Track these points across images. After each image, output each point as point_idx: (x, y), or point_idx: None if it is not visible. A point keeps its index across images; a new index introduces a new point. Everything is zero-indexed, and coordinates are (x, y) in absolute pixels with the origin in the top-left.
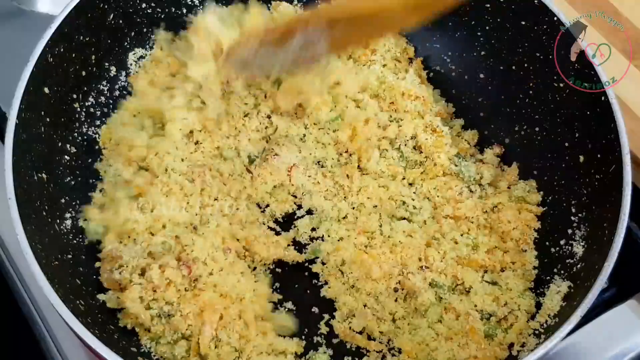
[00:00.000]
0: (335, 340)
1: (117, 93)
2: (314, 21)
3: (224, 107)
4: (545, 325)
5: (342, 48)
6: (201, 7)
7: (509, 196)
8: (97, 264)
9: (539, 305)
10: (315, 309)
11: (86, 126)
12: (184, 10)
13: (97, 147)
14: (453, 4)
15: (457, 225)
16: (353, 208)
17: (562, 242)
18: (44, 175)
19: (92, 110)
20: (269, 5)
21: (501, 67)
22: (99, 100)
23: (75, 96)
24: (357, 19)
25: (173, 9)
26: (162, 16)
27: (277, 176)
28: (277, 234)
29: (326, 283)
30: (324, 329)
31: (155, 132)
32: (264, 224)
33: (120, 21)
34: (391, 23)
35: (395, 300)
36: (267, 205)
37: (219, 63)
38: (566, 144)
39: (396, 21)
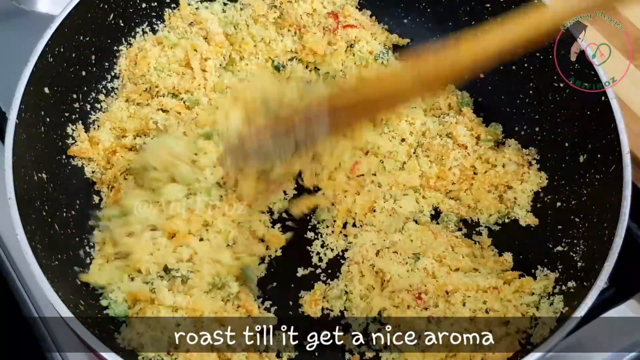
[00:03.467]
0: None
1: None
2: (315, 111)
3: None
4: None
5: (347, 128)
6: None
7: None
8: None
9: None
10: None
11: (86, 126)
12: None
13: None
14: (460, 77)
15: None
16: None
17: (562, 242)
18: (44, 175)
19: (92, 110)
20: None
21: (501, 67)
22: (99, 100)
23: (75, 96)
24: (363, 101)
25: (174, 8)
26: (163, 16)
27: None
28: None
29: None
30: None
31: None
32: None
33: (120, 21)
34: (399, 100)
35: None
36: None
37: (218, 162)
38: (566, 144)
39: (404, 98)
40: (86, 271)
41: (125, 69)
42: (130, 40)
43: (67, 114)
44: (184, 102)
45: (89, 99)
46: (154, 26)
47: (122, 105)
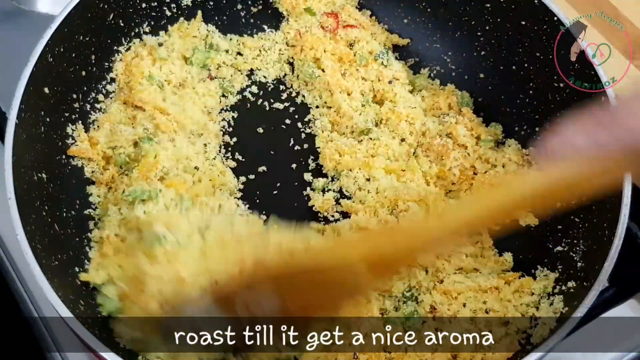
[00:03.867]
0: None
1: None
2: (256, 281)
3: None
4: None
5: (298, 314)
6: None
7: None
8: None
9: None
10: None
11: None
12: (186, 11)
13: None
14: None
15: None
16: None
17: (562, 242)
18: (44, 175)
19: (92, 110)
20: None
21: (501, 67)
22: (99, 100)
23: (75, 96)
24: (312, 281)
25: (174, 9)
26: (162, 16)
27: None
28: None
29: None
30: None
31: None
32: None
33: (120, 21)
34: (352, 287)
35: None
36: None
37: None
38: None
39: (359, 285)
40: (86, 271)
41: (122, 73)
42: (130, 40)
43: (67, 114)
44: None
45: (88, 99)
46: (154, 27)
47: (121, 107)
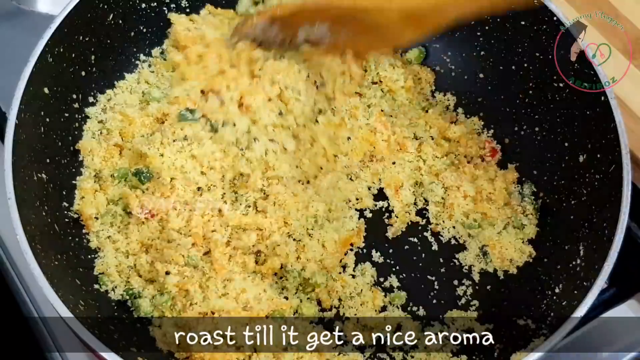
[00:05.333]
0: None
1: None
2: (319, 15)
3: None
4: (545, 325)
5: (341, 49)
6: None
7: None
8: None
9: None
10: None
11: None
12: (186, 10)
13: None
14: (450, 21)
15: None
16: None
17: (561, 242)
18: (44, 175)
19: (91, 110)
20: None
21: (501, 67)
22: (99, 100)
23: (75, 96)
24: (357, 22)
25: (173, 8)
26: (163, 16)
27: None
28: None
29: None
30: None
31: None
32: None
33: (120, 21)
34: (388, 34)
35: None
36: None
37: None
38: (566, 144)
39: (394, 33)
40: (85, 271)
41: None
42: (130, 41)
43: (67, 114)
44: None
45: (89, 99)
46: (154, 26)
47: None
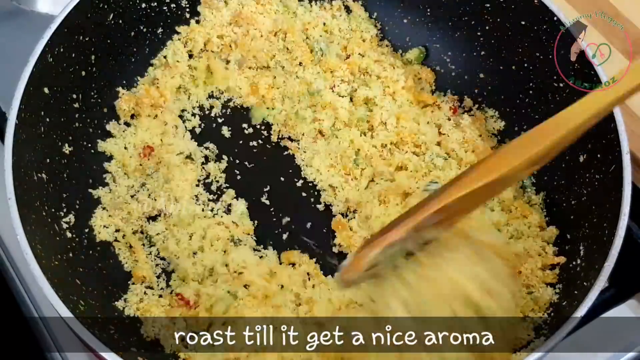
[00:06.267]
0: None
1: None
2: (426, 220)
3: None
4: (545, 325)
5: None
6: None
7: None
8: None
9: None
10: None
11: (86, 126)
12: (186, 10)
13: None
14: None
15: None
16: None
17: (561, 242)
18: (44, 175)
19: (92, 110)
20: None
21: (501, 67)
22: (99, 100)
23: (75, 96)
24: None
25: (174, 8)
26: (163, 16)
27: None
28: None
29: None
30: None
31: None
32: None
33: (120, 21)
34: (508, 183)
35: None
36: None
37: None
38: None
39: (514, 180)
40: (86, 271)
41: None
42: (130, 41)
43: (67, 114)
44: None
45: (89, 99)
46: (154, 26)
47: None
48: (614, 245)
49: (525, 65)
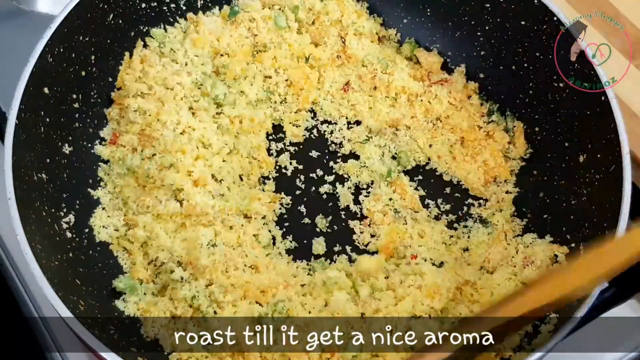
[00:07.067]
0: None
1: None
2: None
3: None
4: (544, 325)
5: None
6: (202, 5)
7: None
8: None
9: None
10: None
11: (86, 126)
12: (185, 9)
13: (96, 146)
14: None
15: None
16: None
17: (561, 242)
18: (44, 175)
19: (92, 110)
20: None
21: (501, 67)
22: (99, 100)
23: (75, 96)
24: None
25: (173, 8)
26: (162, 16)
27: None
28: None
29: None
30: None
31: None
32: None
33: (120, 21)
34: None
35: None
36: None
37: None
38: (566, 144)
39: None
40: (86, 271)
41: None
42: (130, 41)
43: (67, 114)
44: None
45: (89, 99)
46: (154, 26)
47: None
48: None
49: (525, 65)
